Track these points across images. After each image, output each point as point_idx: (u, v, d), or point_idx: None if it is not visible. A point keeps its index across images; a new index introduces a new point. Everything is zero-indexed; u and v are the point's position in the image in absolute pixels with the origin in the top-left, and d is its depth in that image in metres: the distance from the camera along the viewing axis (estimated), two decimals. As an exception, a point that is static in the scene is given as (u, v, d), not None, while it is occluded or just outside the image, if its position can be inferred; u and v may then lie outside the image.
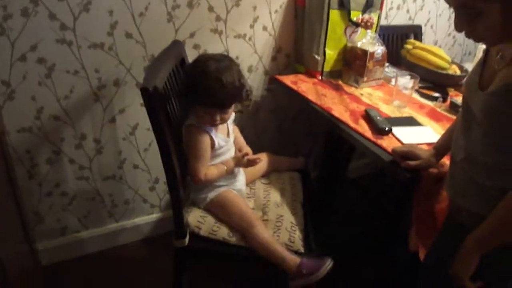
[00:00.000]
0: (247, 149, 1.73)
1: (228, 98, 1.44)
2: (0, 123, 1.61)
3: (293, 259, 1.45)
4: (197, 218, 1.52)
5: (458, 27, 1.02)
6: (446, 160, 1.41)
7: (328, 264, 1.48)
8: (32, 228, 1.93)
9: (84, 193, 2.00)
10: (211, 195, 1.56)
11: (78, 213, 2.03)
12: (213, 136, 1.51)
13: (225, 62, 1.44)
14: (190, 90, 1.44)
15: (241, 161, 1.58)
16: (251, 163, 1.58)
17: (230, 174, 1.59)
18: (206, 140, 1.49)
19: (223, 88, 1.38)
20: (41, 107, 1.73)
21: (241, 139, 1.78)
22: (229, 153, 1.61)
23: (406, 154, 1.38)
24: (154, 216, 2.26)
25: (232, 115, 1.65)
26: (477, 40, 1.04)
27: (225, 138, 1.58)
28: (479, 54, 1.18)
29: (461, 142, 1.17)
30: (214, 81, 1.38)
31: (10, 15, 1.53)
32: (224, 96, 1.41)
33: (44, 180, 1.87)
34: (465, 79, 1.22)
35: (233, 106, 1.51)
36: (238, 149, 1.71)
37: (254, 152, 1.81)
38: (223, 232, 1.50)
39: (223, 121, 1.50)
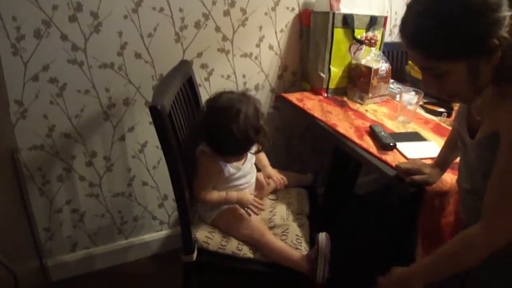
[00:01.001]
0: (275, 177, 1.77)
1: (243, 150, 1.49)
2: (13, 141, 1.65)
3: (303, 259, 1.46)
4: (205, 234, 1.54)
5: (427, 86, 1.05)
6: (450, 174, 1.43)
7: (323, 237, 1.45)
8: (43, 244, 1.96)
9: (94, 210, 2.03)
10: (217, 211, 1.58)
11: (88, 230, 2.06)
12: (222, 165, 1.53)
13: (243, 106, 1.41)
14: (205, 137, 1.48)
15: (245, 204, 1.56)
16: (254, 210, 1.57)
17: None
18: (213, 167, 1.52)
19: (238, 141, 1.41)
20: (53, 125, 1.77)
21: (267, 167, 1.81)
22: (245, 179, 1.62)
23: (410, 170, 1.40)
24: (163, 232, 2.28)
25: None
26: (449, 97, 1.07)
27: (238, 166, 1.58)
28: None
29: (464, 173, 1.19)
30: (228, 135, 1.38)
31: (23, 36, 1.58)
32: (238, 148, 1.46)
33: (55, 197, 1.90)
34: (456, 113, 1.25)
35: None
36: (266, 176, 1.77)
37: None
38: (232, 246, 1.52)
39: (238, 160, 1.55)
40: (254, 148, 1.53)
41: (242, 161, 1.60)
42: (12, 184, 1.43)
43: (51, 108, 1.74)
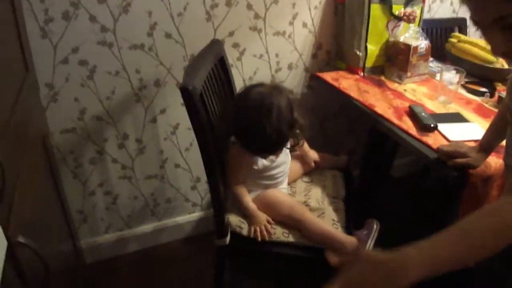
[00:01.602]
0: (312, 156, 1.75)
1: (277, 148, 1.42)
2: (44, 125, 1.65)
3: (351, 240, 1.43)
4: (239, 218, 1.51)
5: (496, 46, 0.89)
6: (494, 158, 1.36)
7: (376, 226, 1.48)
8: (77, 226, 1.97)
9: (127, 192, 2.03)
10: (252, 195, 1.55)
11: (121, 212, 2.07)
12: (255, 158, 1.49)
13: (274, 100, 1.33)
14: (236, 134, 1.44)
15: (256, 223, 1.48)
16: (262, 233, 1.47)
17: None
18: (244, 160, 1.48)
19: (271, 140, 1.35)
20: (84, 108, 1.76)
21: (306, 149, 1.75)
22: (279, 169, 1.57)
23: (452, 153, 1.33)
24: (196, 215, 2.27)
25: None
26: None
27: (272, 158, 1.52)
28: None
29: None
30: (261, 134, 1.32)
31: (52, 19, 1.56)
32: (272, 146, 1.40)
33: (88, 180, 1.91)
34: (507, 84, 1.15)
35: None
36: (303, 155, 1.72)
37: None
38: (265, 231, 1.49)
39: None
40: (289, 143, 1.47)
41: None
42: (44, 168, 1.42)
43: (82, 91, 1.72)
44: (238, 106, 1.41)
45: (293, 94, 1.46)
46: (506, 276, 1.08)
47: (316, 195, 1.64)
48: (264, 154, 1.44)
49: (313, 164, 1.74)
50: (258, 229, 1.46)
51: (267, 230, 1.46)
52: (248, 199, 1.51)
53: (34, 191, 1.18)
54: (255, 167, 1.50)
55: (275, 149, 1.43)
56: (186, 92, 1.20)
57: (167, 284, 2.00)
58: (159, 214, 2.17)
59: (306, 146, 1.71)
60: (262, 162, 1.50)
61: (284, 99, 1.36)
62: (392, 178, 2.67)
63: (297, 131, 1.43)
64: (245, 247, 1.49)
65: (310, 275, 1.98)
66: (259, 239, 1.45)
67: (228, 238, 1.46)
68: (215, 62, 1.55)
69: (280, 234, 1.47)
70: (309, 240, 1.46)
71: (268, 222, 1.49)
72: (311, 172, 1.78)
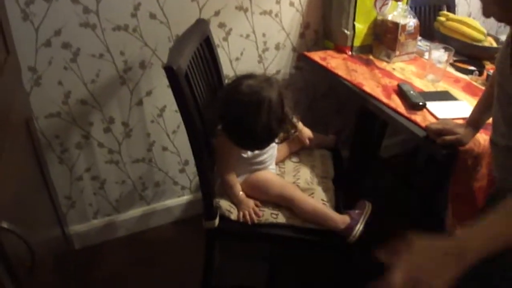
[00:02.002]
0: (306, 133, 1.71)
1: (265, 144, 1.41)
2: (28, 109, 1.61)
3: (343, 218, 1.43)
4: (229, 203, 1.50)
5: (486, 8, 0.90)
6: (483, 135, 1.35)
7: (368, 206, 1.48)
8: (65, 212, 1.95)
9: (114, 177, 2.01)
10: (240, 179, 1.53)
11: (109, 197, 2.05)
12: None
13: (265, 96, 1.30)
14: (224, 127, 1.41)
15: (244, 207, 1.47)
16: (251, 216, 1.46)
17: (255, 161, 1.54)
18: (233, 150, 1.45)
19: (260, 137, 1.35)
20: (68, 91, 1.72)
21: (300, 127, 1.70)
22: (267, 155, 1.56)
23: (441, 130, 1.33)
24: (185, 198, 2.26)
25: None
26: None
27: None
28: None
29: (503, 129, 1.10)
30: (249, 131, 1.32)
31: (32, 1, 1.51)
32: (259, 143, 1.40)
33: (74, 165, 1.88)
34: (495, 62, 1.14)
35: None
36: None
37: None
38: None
39: None
40: (278, 138, 1.45)
41: None
42: (28, 153, 1.39)
43: (66, 74, 1.69)
44: (227, 99, 1.37)
45: (285, 88, 1.44)
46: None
47: (305, 175, 1.62)
48: (251, 149, 1.44)
49: (307, 142, 1.69)
50: (246, 213, 1.45)
51: (255, 212, 1.46)
52: (238, 189, 1.49)
53: (18, 175, 1.16)
54: (244, 155, 1.49)
55: (263, 146, 1.43)
56: (170, 72, 1.17)
57: (157, 267, 1.99)
58: (147, 198, 2.15)
59: (300, 124, 1.67)
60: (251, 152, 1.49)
61: (275, 93, 1.32)
62: (381, 159, 2.66)
63: (287, 126, 1.41)
64: (234, 229, 1.48)
65: (301, 256, 2.01)
66: (249, 222, 1.44)
67: (217, 221, 1.45)
68: (200, 42, 1.52)
69: (268, 215, 1.46)
70: (301, 219, 1.45)
71: (256, 205, 1.48)
72: (299, 152, 1.77)
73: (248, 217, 1.45)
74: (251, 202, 1.48)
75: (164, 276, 1.95)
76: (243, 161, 1.51)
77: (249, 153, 1.49)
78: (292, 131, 1.46)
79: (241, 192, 1.49)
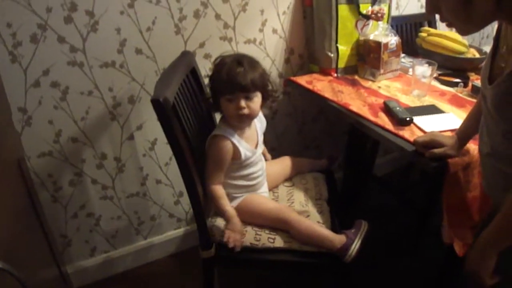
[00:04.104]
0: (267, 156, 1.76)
1: (249, 79, 1.40)
2: (19, 149, 1.62)
3: (339, 238, 1.43)
4: (222, 228, 1.49)
5: (428, 10, 0.97)
6: (472, 145, 1.37)
7: (364, 225, 1.48)
8: (61, 251, 1.94)
9: (109, 213, 2.00)
10: (234, 203, 1.54)
11: (105, 233, 2.03)
12: (237, 144, 1.48)
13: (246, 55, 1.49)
14: (213, 82, 1.47)
15: (232, 227, 1.45)
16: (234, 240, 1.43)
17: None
18: (226, 147, 1.46)
19: (242, 68, 1.40)
20: (59, 130, 1.73)
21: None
22: (257, 167, 1.58)
23: (428, 143, 1.34)
24: (182, 230, 2.25)
25: (263, 122, 1.65)
26: (448, 25, 0.99)
27: (252, 149, 1.54)
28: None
29: (485, 138, 1.13)
30: (232, 63, 1.41)
31: (20, 43, 1.54)
32: (244, 76, 1.39)
33: (68, 203, 1.88)
34: (481, 72, 1.18)
35: (259, 97, 1.47)
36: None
37: (275, 157, 1.80)
38: (250, 237, 1.47)
39: (250, 112, 1.45)
40: (258, 96, 1.48)
41: (255, 143, 1.57)
42: (21, 193, 1.40)
43: (56, 113, 1.70)
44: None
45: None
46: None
47: (299, 198, 1.63)
48: (241, 90, 1.42)
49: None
50: (232, 236, 1.42)
51: (240, 241, 1.44)
52: (226, 201, 1.50)
53: (10, 215, 1.16)
54: (236, 160, 1.50)
55: (250, 83, 1.41)
56: (157, 104, 1.19)
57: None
58: (144, 232, 2.14)
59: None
60: (244, 152, 1.49)
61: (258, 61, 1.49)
62: (376, 177, 2.67)
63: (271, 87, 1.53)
64: (232, 256, 1.47)
65: (301, 280, 1.99)
66: (231, 245, 1.41)
67: (213, 250, 1.45)
68: (186, 73, 1.54)
69: (265, 240, 1.46)
70: (298, 241, 1.45)
71: (243, 234, 1.47)
72: (292, 176, 1.78)
73: (231, 241, 1.41)
74: (238, 226, 1.46)
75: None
76: (234, 171, 1.52)
77: (243, 155, 1.49)
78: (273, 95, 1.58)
79: (229, 206, 1.48)
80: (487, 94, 1.05)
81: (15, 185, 1.33)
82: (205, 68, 1.89)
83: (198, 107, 1.61)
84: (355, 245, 1.40)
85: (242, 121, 1.48)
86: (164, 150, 1.99)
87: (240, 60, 1.43)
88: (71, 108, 1.72)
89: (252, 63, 1.45)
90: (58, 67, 1.64)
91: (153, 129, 1.92)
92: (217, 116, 1.64)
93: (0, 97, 1.39)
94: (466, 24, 0.94)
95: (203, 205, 1.42)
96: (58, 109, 1.70)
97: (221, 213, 1.50)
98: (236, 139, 1.48)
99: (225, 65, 1.42)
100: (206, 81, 1.76)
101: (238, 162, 1.51)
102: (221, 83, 1.42)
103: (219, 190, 1.50)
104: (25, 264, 1.20)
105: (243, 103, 1.42)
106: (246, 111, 1.43)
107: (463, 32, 1.01)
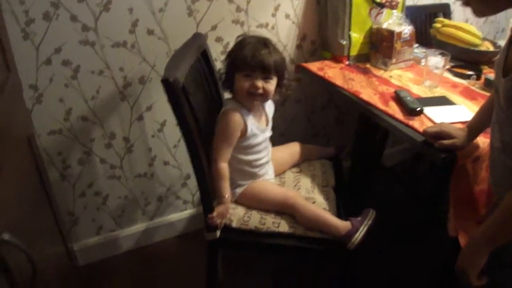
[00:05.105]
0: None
1: (272, 61, 1.41)
2: (30, 126, 1.63)
3: (344, 224, 1.43)
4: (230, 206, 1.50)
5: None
6: (482, 138, 1.36)
7: (372, 213, 1.48)
8: (68, 229, 1.96)
9: (117, 192, 2.02)
10: (239, 190, 1.54)
11: (112, 212, 2.05)
12: (246, 119, 1.47)
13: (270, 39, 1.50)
14: (232, 57, 1.47)
15: (222, 207, 1.44)
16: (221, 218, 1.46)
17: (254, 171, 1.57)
18: (235, 119, 1.45)
19: (268, 50, 1.41)
20: (70, 108, 1.74)
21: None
22: (263, 153, 1.57)
23: (438, 134, 1.33)
24: (188, 212, 2.26)
25: (272, 106, 1.64)
26: (464, 4, 1.00)
27: (261, 126, 1.54)
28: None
29: (497, 133, 1.12)
30: (258, 43, 1.43)
31: (32, 20, 1.54)
32: (268, 56, 1.40)
33: (77, 181, 1.89)
34: (495, 64, 1.16)
35: (275, 82, 1.47)
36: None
37: (283, 143, 1.79)
38: (254, 221, 1.48)
39: (265, 93, 1.45)
40: (275, 81, 1.48)
41: (264, 125, 1.57)
42: (30, 169, 1.40)
43: (67, 91, 1.71)
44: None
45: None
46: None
47: (306, 184, 1.63)
48: (261, 69, 1.41)
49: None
50: (222, 211, 1.44)
51: (225, 218, 1.47)
52: (227, 186, 1.47)
53: (20, 191, 1.17)
54: (243, 137, 1.49)
55: (272, 65, 1.42)
56: (167, 84, 1.19)
57: (161, 282, 1.99)
58: (150, 213, 2.16)
59: None
60: (251, 127, 1.48)
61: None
62: (384, 167, 2.66)
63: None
64: (236, 240, 1.48)
65: (305, 266, 2.00)
66: (216, 223, 1.42)
67: (218, 232, 1.45)
68: (197, 55, 1.54)
69: (270, 224, 1.46)
70: (303, 226, 1.46)
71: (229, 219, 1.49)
72: (299, 163, 1.78)
73: (218, 219, 1.43)
74: (228, 208, 1.47)
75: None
76: (241, 160, 1.52)
77: (250, 132, 1.48)
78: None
79: (228, 195, 1.47)
80: (500, 87, 1.04)
81: (24, 162, 1.33)
82: (216, 51, 1.89)
83: (208, 89, 1.61)
84: (360, 233, 1.40)
85: (254, 99, 1.47)
86: (173, 132, 1.99)
87: (266, 42, 1.45)
88: (82, 87, 1.72)
89: (276, 47, 1.47)
90: (70, 45, 1.64)
91: (163, 110, 1.92)
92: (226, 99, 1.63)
93: (12, 74, 1.39)
94: (481, 3, 0.93)
95: (210, 188, 1.42)
96: (69, 87, 1.70)
97: (217, 195, 1.46)
98: (245, 113, 1.48)
99: (250, 43, 1.43)
100: (217, 65, 1.76)
101: (245, 139, 1.49)
102: (242, 60, 1.41)
103: (224, 169, 1.47)
104: (31, 238, 1.21)
105: (260, 82, 1.42)
106: (261, 91, 1.43)
107: (478, 13, 1.00)
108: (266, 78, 1.44)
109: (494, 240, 1.04)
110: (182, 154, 2.07)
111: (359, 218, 1.46)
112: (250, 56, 1.40)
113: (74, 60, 1.67)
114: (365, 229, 1.42)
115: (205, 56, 1.62)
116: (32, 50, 1.59)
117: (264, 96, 1.46)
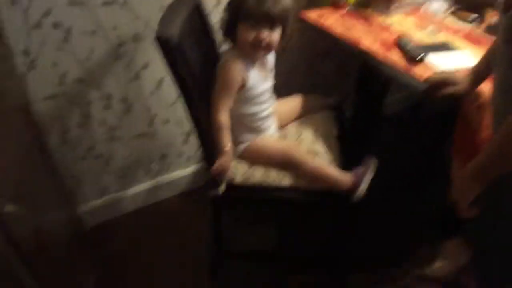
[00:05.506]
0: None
1: (280, 10, 1.33)
2: (24, 93, 1.60)
3: (348, 177, 1.42)
4: (231, 168, 1.49)
5: None
6: (488, 85, 1.33)
7: (374, 163, 1.46)
8: (73, 192, 1.96)
9: (118, 154, 2.01)
10: (242, 146, 1.52)
11: (115, 173, 2.05)
12: (247, 69, 1.42)
13: None
14: (235, 6, 1.37)
15: (224, 159, 1.39)
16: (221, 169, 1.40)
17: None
18: (236, 67, 1.40)
19: (276, 2, 1.32)
20: (64, 72, 1.70)
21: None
22: (265, 105, 1.53)
23: (441, 82, 1.30)
24: (191, 168, 2.27)
25: (272, 59, 1.59)
26: None
27: (263, 76, 1.49)
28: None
29: (496, 72, 1.09)
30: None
31: (18, -17, 1.48)
32: (275, 5, 1.32)
33: (77, 145, 1.88)
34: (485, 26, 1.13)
35: (279, 32, 1.40)
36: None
37: (284, 95, 1.75)
38: (257, 176, 1.47)
39: (269, 46, 1.39)
40: (279, 32, 1.40)
41: (266, 70, 1.53)
42: (28, 137, 1.39)
43: (60, 55, 1.66)
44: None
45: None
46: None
47: (308, 137, 1.61)
48: (268, 21, 1.35)
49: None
50: (224, 164, 1.39)
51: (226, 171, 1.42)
52: (228, 135, 1.42)
53: (19, 159, 1.16)
54: (244, 87, 1.44)
55: (279, 18, 1.36)
56: (162, 42, 1.16)
57: (168, 238, 2.01)
58: (153, 171, 2.16)
59: None
60: (253, 77, 1.44)
61: None
62: (385, 116, 2.63)
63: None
64: (240, 195, 1.48)
65: (309, 218, 2.02)
66: (219, 176, 1.39)
67: (222, 188, 1.44)
68: (192, 10, 1.48)
69: (273, 178, 1.46)
70: (306, 181, 1.45)
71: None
72: (302, 115, 1.75)
73: (217, 172, 1.39)
74: (229, 162, 1.42)
75: (175, 247, 1.97)
76: (242, 113, 1.49)
77: (251, 82, 1.43)
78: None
79: (230, 144, 1.42)
80: (501, 24, 1.01)
81: (21, 130, 1.32)
82: (209, 4, 1.83)
83: (203, 44, 1.56)
84: (364, 185, 1.40)
85: (258, 50, 1.40)
86: (171, 89, 1.95)
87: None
88: (74, 49, 1.67)
89: None
90: (59, 7, 1.57)
91: (159, 68, 1.87)
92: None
93: (1, 41, 1.35)
94: None
95: (211, 143, 1.41)
96: (62, 50, 1.65)
97: (218, 147, 1.41)
98: (246, 63, 1.42)
99: None
100: (212, 17, 1.71)
101: (247, 89, 1.45)
102: (247, 8, 1.33)
103: (224, 120, 1.41)
104: (35, 205, 1.21)
105: (265, 33, 1.36)
106: (266, 42, 1.37)
107: None
108: (272, 29, 1.37)
109: (481, 175, 1.06)
110: (182, 110, 2.03)
111: (362, 169, 1.44)
112: (256, 4, 1.31)
113: (64, 22, 1.61)
114: (368, 180, 1.42)
115: (199, 11, 1.56)
116: (20, 15, 1.53)
117: (268, 46, 1.40)
